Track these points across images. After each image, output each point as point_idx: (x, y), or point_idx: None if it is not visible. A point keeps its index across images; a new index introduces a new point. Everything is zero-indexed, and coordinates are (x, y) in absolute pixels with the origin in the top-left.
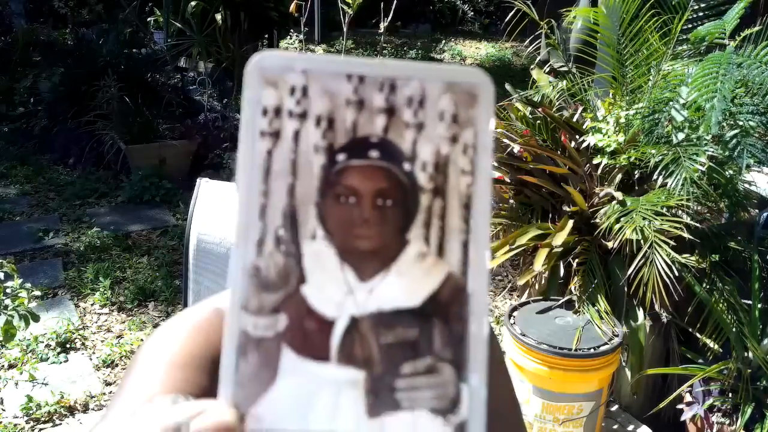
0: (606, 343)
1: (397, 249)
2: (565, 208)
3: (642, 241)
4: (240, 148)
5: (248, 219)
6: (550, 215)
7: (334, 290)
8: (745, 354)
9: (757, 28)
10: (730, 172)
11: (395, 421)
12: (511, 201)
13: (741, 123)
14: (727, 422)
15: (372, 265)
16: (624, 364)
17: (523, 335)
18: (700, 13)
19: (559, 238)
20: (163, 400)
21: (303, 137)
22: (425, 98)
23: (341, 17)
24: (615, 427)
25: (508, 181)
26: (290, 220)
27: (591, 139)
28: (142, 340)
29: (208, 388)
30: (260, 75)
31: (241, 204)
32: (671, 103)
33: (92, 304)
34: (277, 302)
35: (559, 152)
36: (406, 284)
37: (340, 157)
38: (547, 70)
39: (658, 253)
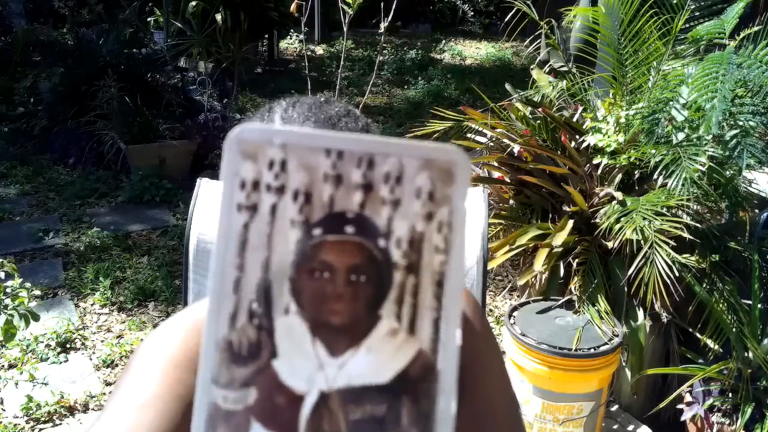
0: (606, 343)
1: (368, 325)
2: (565, 208)
3: (642, 241)
4: (218, 221)
5: (222, 292)
6: (550, 215)
7: (305, 365)
8: (745, 354)
9: (756, 28)
10: (730, 172)
11: None
12: (511, 201)
13: (741, 123)
14: (727, 422)
15: (343, 340)
16: (624, 364)
17: (523, 335)
18: (699, 13)
19: (559, 238)
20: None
21: (280, 211)
22: (402, 175)
23: (341, 17)
24: (615, 427)
25: (508, 181)
26: (264, 294)
27: (591, 139)
28: (142, 340)
29: None
30: (239, 148)
31: (216, 277)
32: (671, 103)
33: (92, 304)
34: (248, 376)
35: (559, 152)
36: (376, 360)
37: (316, 231)
38: (547, 70)
39: (658, 253)
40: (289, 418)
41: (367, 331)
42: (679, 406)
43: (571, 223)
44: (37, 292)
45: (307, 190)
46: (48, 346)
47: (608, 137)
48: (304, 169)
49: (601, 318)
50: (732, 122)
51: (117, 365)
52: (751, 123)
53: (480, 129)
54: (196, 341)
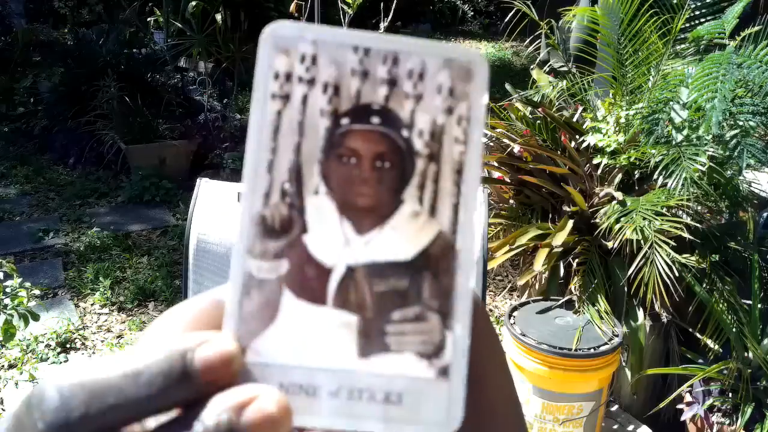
0: (606, 343)
1: (392, 207)
2: (565, 208)
3: (642, 241)
4: (252, 109)
5: (257, 172)
6: (550, 215)
7: (333, 241)
8: (745, 354)
9: (757, 28)
10: (730, 172)
11: (384, 361)
12: (511, 201)
13: (741, 123)
14: (727, 422)
15: (369, 220)
16: (624, 364)
17: (523, 335)
18: (699, 13)
19: (559, 238)
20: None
21: (310, 101)
22: (425, 72)
23: (341, 17)
24: (615, 427)
25: (508, 181)
26: (295, 176)
27: (591, 139)
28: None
29: None
30: (273, 42)
31: (250, 159)
32: (671, 103)
33: (92, 304)
34: (280, 248)
35: (559, 152)
36: (399, 239)
37: (344, 121)
38: (547, 70)
39: (659, 253)
40: (318, 288)
41: (391, 212)
42: (679, 406)
43: (571, 223)
44: (37, 292)
45: (335, 83)
46: (48, 346)
47: (608, 137)
48: (333, 63)
49: (601, 318)
50: (732, 122)
51: None
52: (751, 123)
53: None
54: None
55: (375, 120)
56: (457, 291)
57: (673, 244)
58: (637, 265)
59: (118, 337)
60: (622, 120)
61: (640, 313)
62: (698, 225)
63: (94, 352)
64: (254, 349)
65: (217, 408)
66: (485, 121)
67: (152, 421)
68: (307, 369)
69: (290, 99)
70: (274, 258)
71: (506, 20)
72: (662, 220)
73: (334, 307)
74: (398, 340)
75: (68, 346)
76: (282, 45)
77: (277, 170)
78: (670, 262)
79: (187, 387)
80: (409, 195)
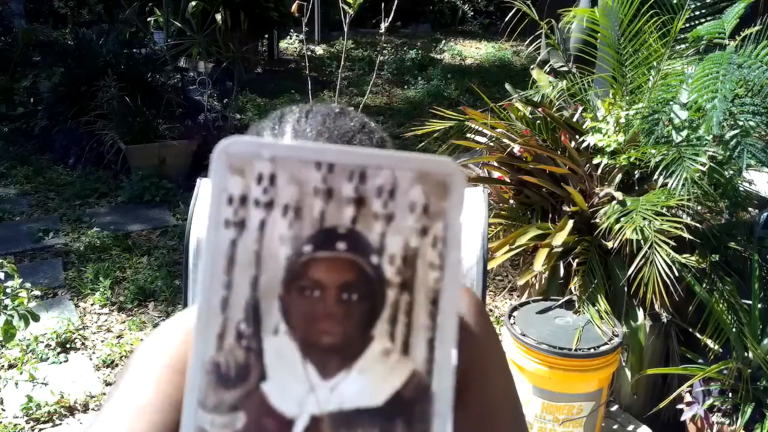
0: (606, 343)
1: (361, 345)
2: (565, 208)
3: (642, 241)
4: (205, 237)
5: (208, 311)
6: (550, 215)
7: (295, 388)
8: (745, 354)
9: (757, 28)
10: (730, 172)
11: None
12: (511, 201)
13: (741, 123)
14: (727, 422)
15: (335, 361)
16: (624, 364)
17: (523, 335)
18: (698, 12)
19: (559, 238)
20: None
21: (269, 227)
22: (396, 188)
23: (342, 17)
24: (615, 427)
25: (508, 181)
26: (252, 314)
27: (591, 139)
28: (142, 340)
29: None
30: (227, 162)
31: (203, 296)
32: (671, 103)
33: (92, 304)
34: (236, 400)
35: (559, 152)
36: (368, 382)
37: (306, 248)
38: (547, 70)
39: (658, 253)
40: None
41: (360, 351)
42: (679, 406)
43: (571, 223)
44: (37, 292)
45: (297, 205)
46: (48, 346)
47: (608, 137)
48: (294, 183)
49: (601, 318)
50: (732, 122)
51: (117, 365)
52: (751, 123)
53: (480, 129)
54: None
55: (341, 246)
56: None
57: (673, 244)
58: (637, 265)
59: (118, 337)
60: (622, 120)
61: (640, 313)
62: (698, 225)
63: (94, 353)
64: None
65: None
66: (462, 241)
67: None
68: None
69: (246, 226)
70: (229, 411)
71: (506, 20)
72: (662, 220)
73: None
74: None
75: (68, 346)
76: (236, 164)
77: (232, 309)
78: (670, 262)
79: None
80: (380, 331)
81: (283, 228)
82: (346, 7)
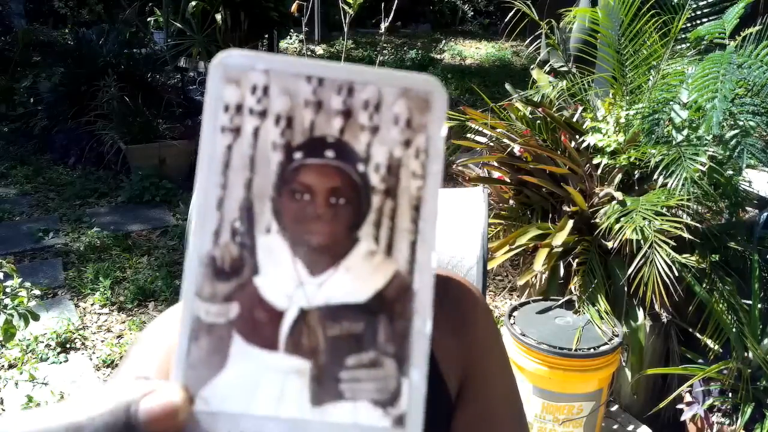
0: (606, 343)
1: (347, 246)
2: (565, 208)
3: (642, 241)
4: (201, 142)
5: (206, 210)
6: (550, 215)
7: (286, 282)
8: (745, 354)
9: (757, 28)
10: (730, 172)
11: (337, 409)
12: (511, 201)
13: (741, 123)
14: (727, 422)
15: (323, 260)
16: (624, 364)
17: (523, 335)
18: (699, 12)
19: (559, 238)
20: (122, 379)
21: (262, 134)
22: (381, 102)
23: (341, 17)
24: (615, 427)
25: (508, 181)
26: (246, 214)
27: (591, 139)
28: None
29: None
30: (223, 73)
31: (199, 195)
32: (671, 103)
33: (92, 304)
34: (230, 291)
35: (559, 152)
36: (354, 280)
37: (297, 155)
38: (547, 70)
39: (658, 253)
40: (269, 333)
41: (346, 251)
42: (679, 406)
43: (571, 223)
44: (37, 292)
45: (288, 115)
46: (48, 346)
47: (608, 137)
48: (285, 94)
49: (601, 318)
50: (732, 122)
51: (117, 365)
52: (751, 123)
53: (480, 129)
54: None
55: (329, 154)
56: (414, 335)
57: (673, 244)
58: (637, 265)
59: (118, 337)
60: (622, 120)
61: (640, 313)
62: (698, 225)
63: (94, 353)
64: (202, 397)
65: None
66: (444, 153)
67: None
68: (258, 418)
69: (241, 132)
70: (223, 301)
71: (506, 20)
72: (662, 220)
73: (285, 353)
74: (352, 387)
75: (68, 346)
76: (232, 75)
77: (227, 208)
78: (670, 262)
79: None
80: (365, 233)
81: (276, 135)
82: (346, 7)
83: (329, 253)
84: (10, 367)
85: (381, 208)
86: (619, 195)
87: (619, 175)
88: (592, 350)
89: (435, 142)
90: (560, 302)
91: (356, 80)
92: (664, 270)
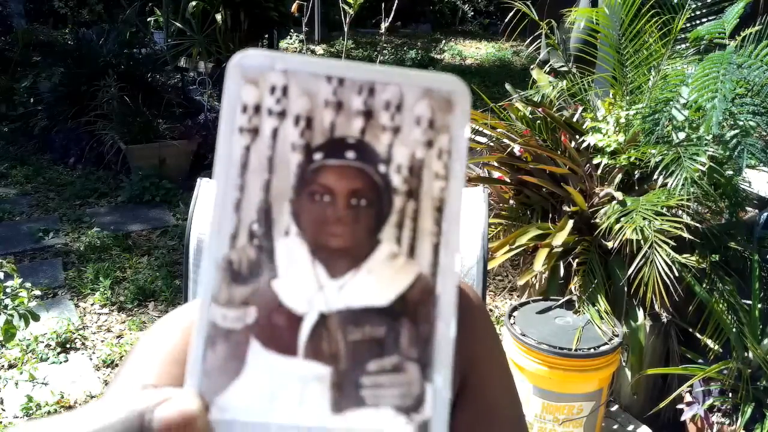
0: (606, 343)
1: (368, 248)
2: (565, 208)
3: (642, 241)
4: (218, 143)
5: (223, 212)
6: (550, 215)
7: (305, 286)
8: (745, 354)
9: (757, 28)
10: (730, 172)
11: (359, 417)
12: (511, 201)
13: (741, 123)
14: (727, 422)
15: (343, 263)
16: (624, 364)
17: (523, 335)
18: (699, 12)
19: (559, 238)
20: (133, 388)
21: (281, 135)
22: (403, 103)
23: (342, 17)
24: (615, 427)
25: (508, 181)
26: (264, 216)
27: (591, 139)
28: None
29: None
30: (241, 73)
31: (217, 197)
32: (671, 103)
33: (92, 304)
34: (248, 295)
35: (559, 152)
36: (376, 283)
37: (317, 156)
38: (547, 70)
39: (658, 253)
40: (288, 338)
41: (367, 254)
42: (679, 406)
43: (571, 223)
44: (37, 292)
45: (308, 115)
46: (48, 346)
47: (608, 137)
48: (305, 94)
49: (601, 318)
50: (732, 122)
51: (117, 365)
52: (751, 123)
53: (480, 129)
54: None
55: (350, 155)
56: (438, 339)
57: (673, 244)
58: (637, 265)
59: (118, 337)
60: (622, 120)
61: (640, 313)
62: (698, 225)
63: (94, 353)
64: (219, 405)
65: None
66: (467, 154)
67: None
68: (277, 426)
69: (259, 133)
70: (240, 306)
71: (506, 20)
72: (662, 220)
73: (305, 359)
74: (374, 393)
75: (68, 346)
76: (250, 75)
77: (245, 210)
78: (670, 262)
79: None
80: (387, 235)
81: (295, 136)
82: (346, 7)
83: (350, 255)
84: (10, 367)
85: (403, 210)
86: (619, 195)
87: (619, 175)
88: (592, 350)
89: (458, 143)
90: (560, 302)
91: (377, 80)
92: (664, 270)
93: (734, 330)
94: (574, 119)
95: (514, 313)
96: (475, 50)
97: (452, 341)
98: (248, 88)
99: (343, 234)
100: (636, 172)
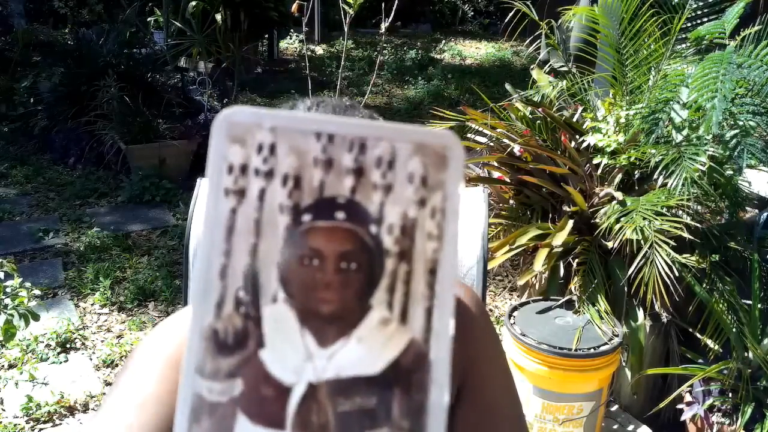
0: (606, 343)
1: (359, 314)
2: (565, 208)
3: (642, 241)
4: (205, 205)
5: (208, 279)
6: (550, 215)
7: (293, 356)
8: (745, 354)
9: (756, 28)
10: (730, 172)
11: None
12: (511, 201)
13: (741, 123)
14: (727, 422)
15: (333, 330)
16: (624, 364)
17: (523, 335)
18: (699, 12)
19: (559, 238)
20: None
21: (268, 196)
22: (395, 159)
23: (342, 17)
24: (615, 427)
25: (508, 181)
26: (252, 282)
27: (591, 139)
28: (141, 339)
29: None
30: (227, 131)
31: (202, 263)
32: (671, 103)
33: (92, 304)
34: (234, 366)
35: (559, 152)
36: (366, 351)
37: (306, 217)
38: (547, 70)
39: (659, 253)
40: (276, 411)
41: (358, 320)
42: (679, 406)
43: (571, 223)
44: (37, 292)
45: (296, 175)
46: (48, 346)
47: (608, 137)
48: (293, 153)
49: (601, 318)
50: (732, 122)
51: (117, 365)
52: (751, 123)
53: (480, 129)
54: None
55: (340, 215)
56: (430, 408)
57: (673, 244)
58: (637, 265)
59: (118, 337)
60: (622, 120)
61: (640, 313)
62: (698, 225)
63: (94, 353)
64: None
65: None
66: (459, 213)
67: None
68: None
69: (246, 195)
70: (227, 378)
71: (506, 20)
72: (662, 220)
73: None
74: None
75: (68, 346)
76: (237, 133)
77: (231, 276)
78: (670, 262)
79: None
80: (378, 300)
81: (283, 197)
82: (346, 7)
83: (340, 322)
84: (10, 367)
85: (395, 272)
86: (619, 195)
87: (619, 175)
88: (592, 350)
89: (452, 201)
90: (560, 302)
91: (368, 136)
92: (664, 270)
93: (734, 330)
94: (574, 119)
95: (514, 313)
96: (475, 50)
97: (446, 410)
98: (234, 148)
99: (332, 300)
100: (636, 172)
